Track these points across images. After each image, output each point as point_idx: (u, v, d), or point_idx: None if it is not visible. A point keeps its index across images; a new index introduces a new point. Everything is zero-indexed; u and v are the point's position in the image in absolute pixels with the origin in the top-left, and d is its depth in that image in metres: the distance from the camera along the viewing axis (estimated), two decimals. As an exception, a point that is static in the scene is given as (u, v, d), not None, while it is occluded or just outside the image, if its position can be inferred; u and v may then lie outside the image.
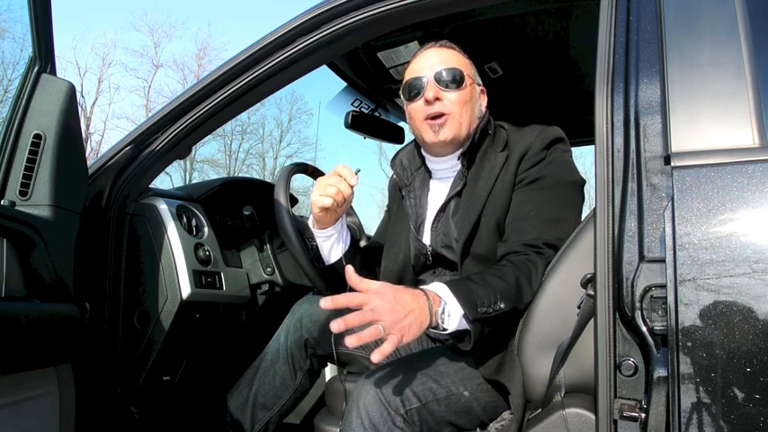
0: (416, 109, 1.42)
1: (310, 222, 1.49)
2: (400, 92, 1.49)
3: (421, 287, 1.17)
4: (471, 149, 1.43)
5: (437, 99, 1.39)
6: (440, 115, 1.39)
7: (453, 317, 1.15)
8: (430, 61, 1.43)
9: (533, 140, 1.38)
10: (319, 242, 1.51)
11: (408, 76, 1.45)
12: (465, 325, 1.16)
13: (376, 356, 1.02)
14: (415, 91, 1.42)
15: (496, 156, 1.42)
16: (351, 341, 1.02)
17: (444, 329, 1.15)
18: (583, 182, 1.42)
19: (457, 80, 1.40)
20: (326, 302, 1.05)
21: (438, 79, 1.40)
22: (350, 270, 1.11)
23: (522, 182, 1.38)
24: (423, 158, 1.54)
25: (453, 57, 1.44)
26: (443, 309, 1.14)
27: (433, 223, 1.48)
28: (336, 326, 1.01)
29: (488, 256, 1.37)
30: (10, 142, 1.28)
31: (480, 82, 1.50)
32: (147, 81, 21.25)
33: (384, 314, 1.05)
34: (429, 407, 1.19)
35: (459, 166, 1.45)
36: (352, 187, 1.38)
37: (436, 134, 1.40)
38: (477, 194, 1.39)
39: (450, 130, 1.40)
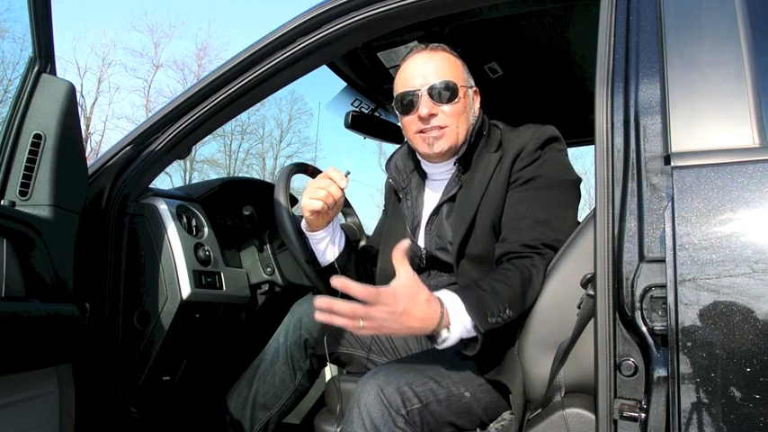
0: (411, 122, 1.41)
1: (303, 225, 1.49)
2: (393, 103, 1.47)
3: (436, 295, 1.14)
4: (467, 153, 1.43)
5: (432, 115, 1.38)
6: (435, 128, 1.39)
7: (458, 328, 1.13)
8: (422, 71, 1.40)
9: (528, 140, 1.38)
10: (313, 244, 1.51)
11: (401, 87, 1.43)
12: (471, 332, 1.15)
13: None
14: (408, 105, 1.40)
15: (490, 156, 1.41)
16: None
17: (444, 340, 1.14)
18: (579, 180, 1.42)
19: (451, 93, 1.38)
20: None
21: (432, 93, 1.38)
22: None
23: (516, 182, 1.37)
24: (417, 161, 1.54)
25: (445, 64, 1.41)
26: (448, 327, 1.13)
27: (427, 225, 1.48)
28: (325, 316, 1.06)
29: (484, 257, 1.37)
30: (10, 142, 1.28)
31: (473, 83, 1.48)
32: (147, 81, 21.25)
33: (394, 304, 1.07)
34: (430, 407, 1.19)
35: (454, 170, 1.45)
36: (342, 190, 1.37)
37: (431, 146, 1.40)
38: (471, 196, 1.39)
39: (446, 143, 1.39)
